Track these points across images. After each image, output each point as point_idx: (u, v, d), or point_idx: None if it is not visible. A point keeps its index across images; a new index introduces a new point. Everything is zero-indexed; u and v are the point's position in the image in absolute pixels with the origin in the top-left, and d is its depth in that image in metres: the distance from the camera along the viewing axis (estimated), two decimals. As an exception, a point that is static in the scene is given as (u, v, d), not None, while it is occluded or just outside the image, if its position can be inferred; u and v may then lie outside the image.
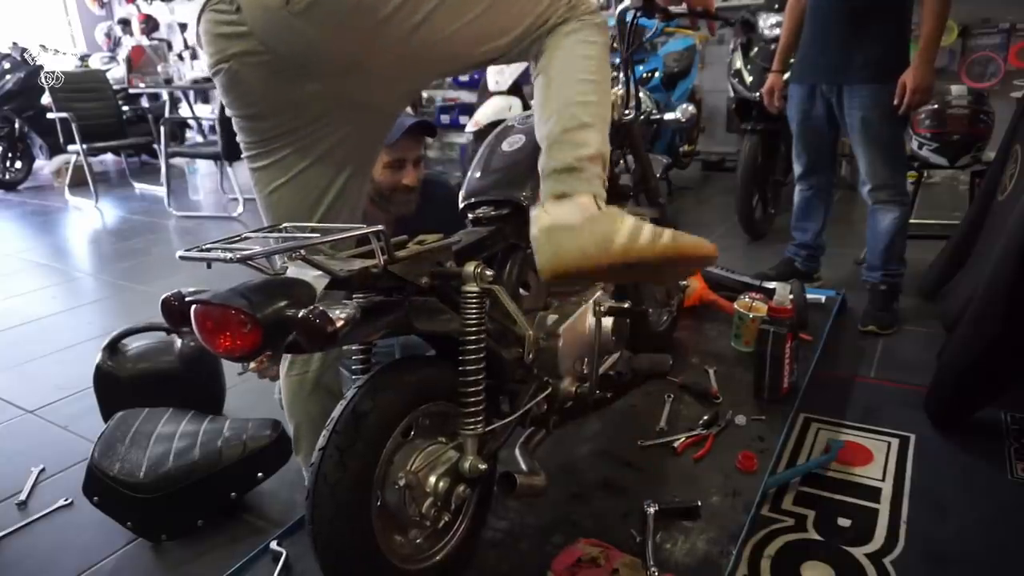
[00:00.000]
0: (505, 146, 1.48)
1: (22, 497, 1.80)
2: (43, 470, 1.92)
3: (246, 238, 0.98)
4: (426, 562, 1.22)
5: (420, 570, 1.21)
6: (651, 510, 1.43)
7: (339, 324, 0.90)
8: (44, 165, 6.42)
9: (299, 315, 0.89)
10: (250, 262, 0.93)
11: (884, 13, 2.26)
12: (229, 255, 0.87)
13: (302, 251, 0.96)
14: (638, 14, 1.64)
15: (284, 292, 0.92)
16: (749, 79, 3.47)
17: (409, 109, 1.77)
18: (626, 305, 1.43)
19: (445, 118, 6.15)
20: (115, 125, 5.68)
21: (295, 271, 1.00)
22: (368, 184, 1.36)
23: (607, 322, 1.47)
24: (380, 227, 1.00)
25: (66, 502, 1.77)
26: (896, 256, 2.46)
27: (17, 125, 5.96)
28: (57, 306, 3.20)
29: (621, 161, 1.84)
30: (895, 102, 2.24)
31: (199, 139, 6.04)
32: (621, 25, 1.72)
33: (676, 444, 1.69)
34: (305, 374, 1.40)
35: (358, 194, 1.30)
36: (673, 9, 1.59)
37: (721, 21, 1.83)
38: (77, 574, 1.54)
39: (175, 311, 0.94)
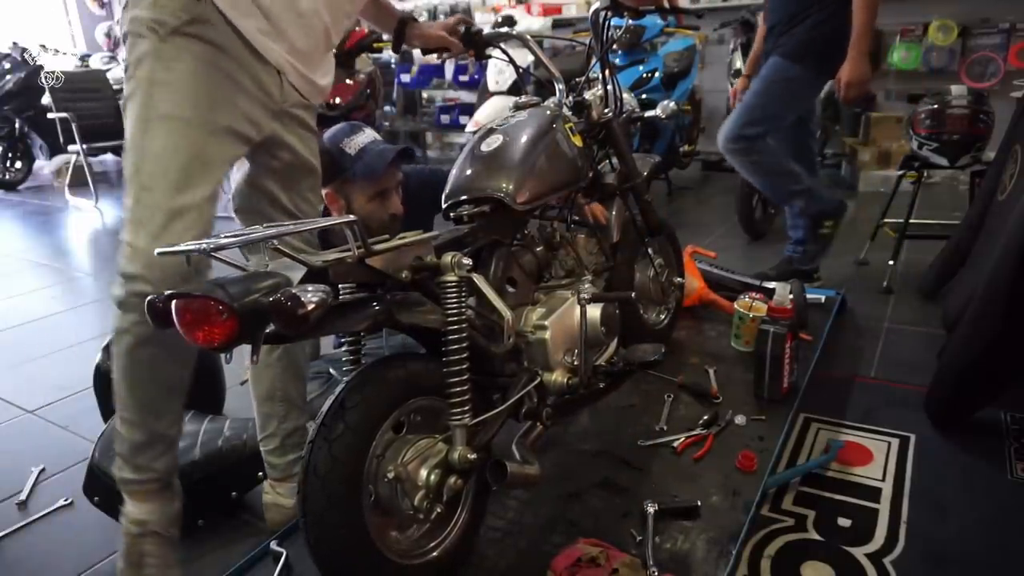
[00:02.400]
0: (484, 146, 1.50)
1: (22, 497, 1.80)
2: (43, 470, 1.92)
3: (225, 237, 1.00)
4: (423, 558, 1.23)
5: (418, 566, 1.21)
6: (651, 510, 1.43)
7: (310, 307, 0.92)
8: (44, 165, 6.42)
9: (271, 300, 0.91)
10: (226, 257, 0.96)
11: (820, 8, 2.38)
12: (202, 247, 0.91)
13: (274, 242, 0.97)
14: (608, 14, 1.68)
15: (260, 282, 0.95)
16: (749, 79, 3.47)
17: (377, 136, 1.74)
18: (610, 294, 1.44)
19: (445, 118, 6.17)
20: (115, 125, 5.68)
21: (274, 267, 1.03)
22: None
23: (593, 312, 1.50)
24: (353, 218, 1.02)
25: (66, 502, 1.77)
26: (785, 195, 2.65)
27: (17, 125, 5.97)
28: (57, 306, 3.20)
29: (605, 160, 1.85)
30: (836, 96, 2.42)
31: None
32: (595, 26, 1.75)
33: (676, 444, 1.69)
34: (265, 368, 1.50)
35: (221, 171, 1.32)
36: (641, 7, 1.66)
37: (690, 14, 1.89)
38: (77, 574, 1.54)
39: (160, 311, 0.95)
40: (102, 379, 1.95)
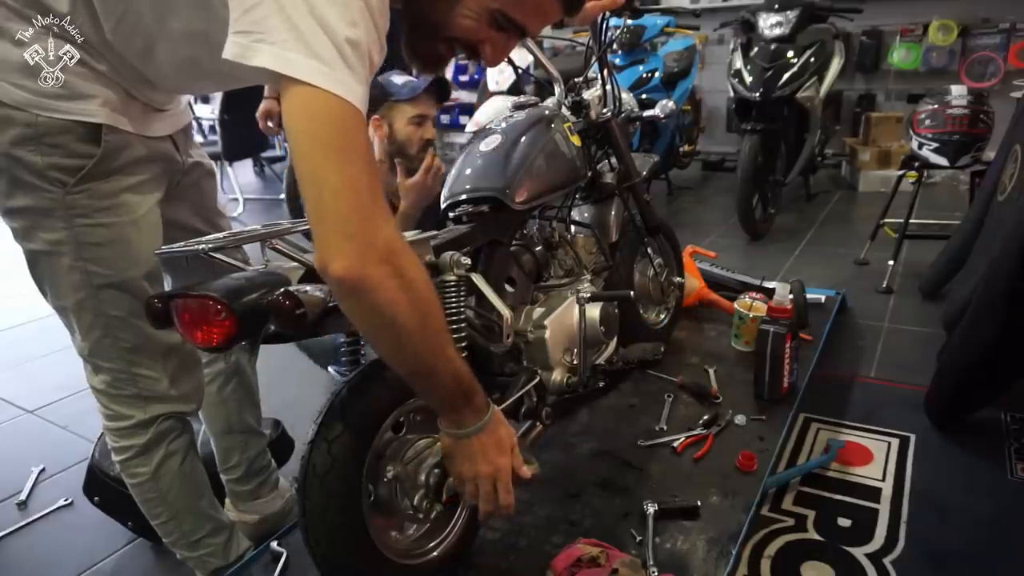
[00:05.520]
0: (483, 146, 1.51)
1: (22, 497, 1.81)
2: (43, 470, 1.92)
3: (223, 237, 1.00)
4: (423, 558, 1.23)
5: (418, 566, 1.21)
6: (651, 510, 1.43)
7: (309, 307, 0.93)
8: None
9: (269, 299, 0.91)
10: (223, 256, 0.97)
11: None
12: (201, 247, 0.91)
13: (273, 241, 0.97)
14: (607, 13, 1.68)
15: (258, 282, 0.95)
16: (749, 79, 3.47)
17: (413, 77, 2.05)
18: (609, 293, 1.45)
19: (445, 118, 6.16)
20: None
21: (273, 267, 1.03)
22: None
23: (592, 311, 1.50)
24: None
25: (66, 502, 1.77)
26: None
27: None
28: (57, 306, 3.19)
29: (604, 160, 1.85)
30: None
31: (199, 139, 6.04)
32: (593, 26, 1.74)
33: (676, 444, 1.69)
34: (219, 405, 1.49)
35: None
36: (637, 5, 1.67)
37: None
38: (77, 574, 1.54)
39: (159, 311, 0.95)
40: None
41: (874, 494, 1.59)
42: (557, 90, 1.77)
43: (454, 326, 1.17)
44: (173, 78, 1.09)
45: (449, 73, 6.21)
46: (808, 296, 2.37)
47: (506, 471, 1.07)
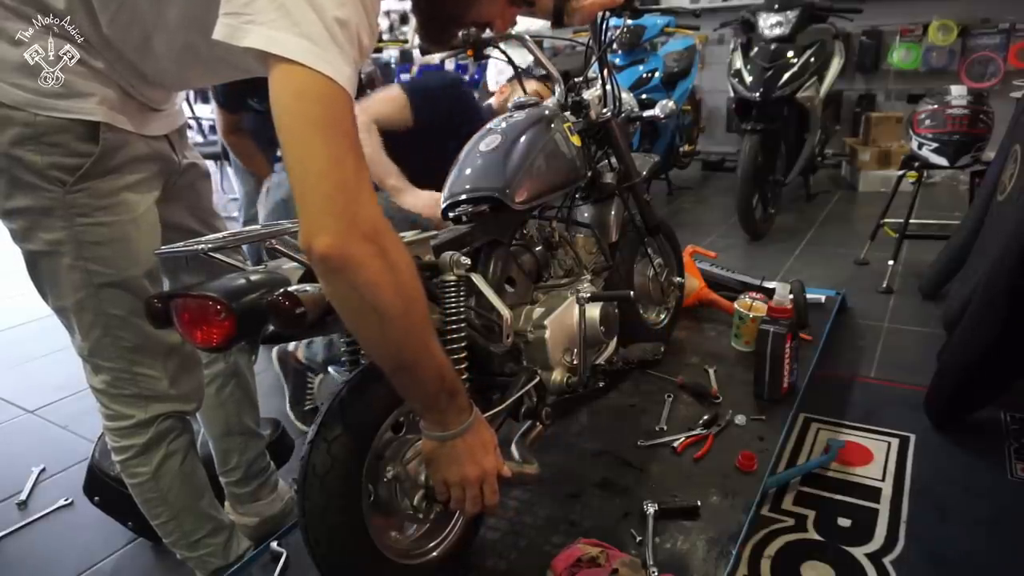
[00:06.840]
0: (483, 146, 1.51)
1: (22, 497, 1.81)
2: (43, 470, 1.92)
3: (223, 237, 1.00)
4: (423, 558, 1.23)
5: (418, 566, 1.21)
6: (651, 510, 1.43)
7: (308, 307, 0.93)
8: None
9: (269, 299, 0.92)
10: (223, 256, 0.98)
11: None
12: (200, 247, 0.92)
13: (272, 241, 0.98)
14: (607, 13, 1.68)
15: (258, 282, 0.96)
16: (749, 79, 3.47)
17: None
18: (609, 293, 1.45)
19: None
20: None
21: (272, 267, 1.03)
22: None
23: (592, 311, 1.50)
24: None
25: (66, 502, 1.77)
26: None
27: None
28: (57, 306, 3.19)
29: (604, 160, 1.85)
30: None
31: (199, 139, 6.03)
32: (593, 26, 1.74)
33: (676, 444, 1.69)
34: (218, 407, 1.48)
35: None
36: (637, 5, 1.65)
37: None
38: (77, 574, 1.55)
39: (159, 311, 0.95)
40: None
41: (874, 494, 1.59)
42: (557, 90, 1.77)
43: (454, 326, 1.17)
44: (171, 70, 1.09)
45: (449, 73, 6.23)
46: (808, 296, 2.37)
47: (493, 472, 1.07)
